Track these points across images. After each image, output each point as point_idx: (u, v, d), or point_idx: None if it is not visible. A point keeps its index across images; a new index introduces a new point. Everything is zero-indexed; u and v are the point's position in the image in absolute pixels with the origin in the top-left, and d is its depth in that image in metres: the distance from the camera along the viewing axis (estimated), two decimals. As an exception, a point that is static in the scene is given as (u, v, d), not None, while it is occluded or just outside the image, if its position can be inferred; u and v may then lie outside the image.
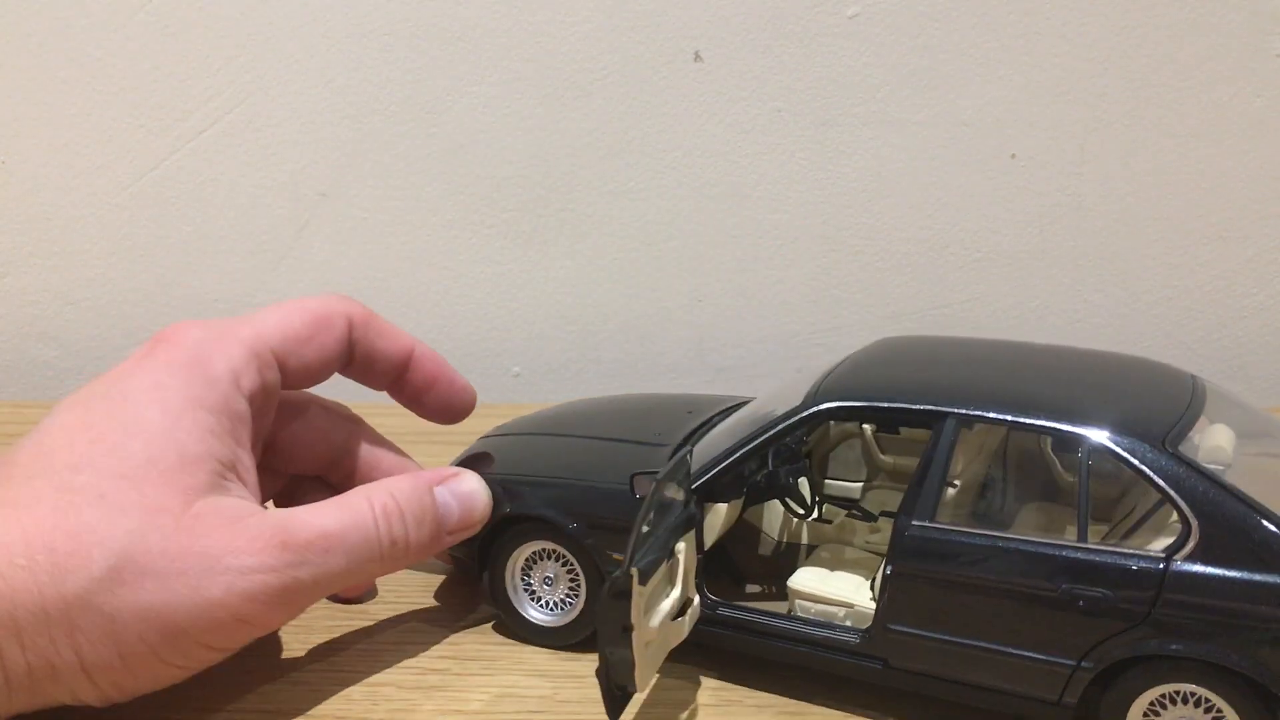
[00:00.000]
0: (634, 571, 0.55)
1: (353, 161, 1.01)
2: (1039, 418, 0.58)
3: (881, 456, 0.74)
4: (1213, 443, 0.57)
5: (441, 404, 0.71)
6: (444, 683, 0.65)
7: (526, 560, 0.67)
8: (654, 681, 0.63)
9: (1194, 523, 0.53)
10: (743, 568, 0.70)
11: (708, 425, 0.70)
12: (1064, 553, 0.55)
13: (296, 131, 1.00)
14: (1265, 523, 0.53)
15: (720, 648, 0.64)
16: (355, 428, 0.71)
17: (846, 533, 0.72)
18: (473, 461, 0.70)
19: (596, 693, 0.63)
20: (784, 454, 0.66)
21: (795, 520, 0.72)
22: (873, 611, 0.60)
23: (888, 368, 0.66)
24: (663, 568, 0.59)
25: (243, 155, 1.01)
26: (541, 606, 0.67)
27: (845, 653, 0.60)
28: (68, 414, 0.59)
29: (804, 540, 0.73)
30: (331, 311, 0.67)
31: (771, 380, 0.73)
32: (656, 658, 0.59)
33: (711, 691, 0.64)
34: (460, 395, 0.72)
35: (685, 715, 0.62)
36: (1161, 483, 0.55)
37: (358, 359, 0.68)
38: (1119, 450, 0.56)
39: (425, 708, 0.63)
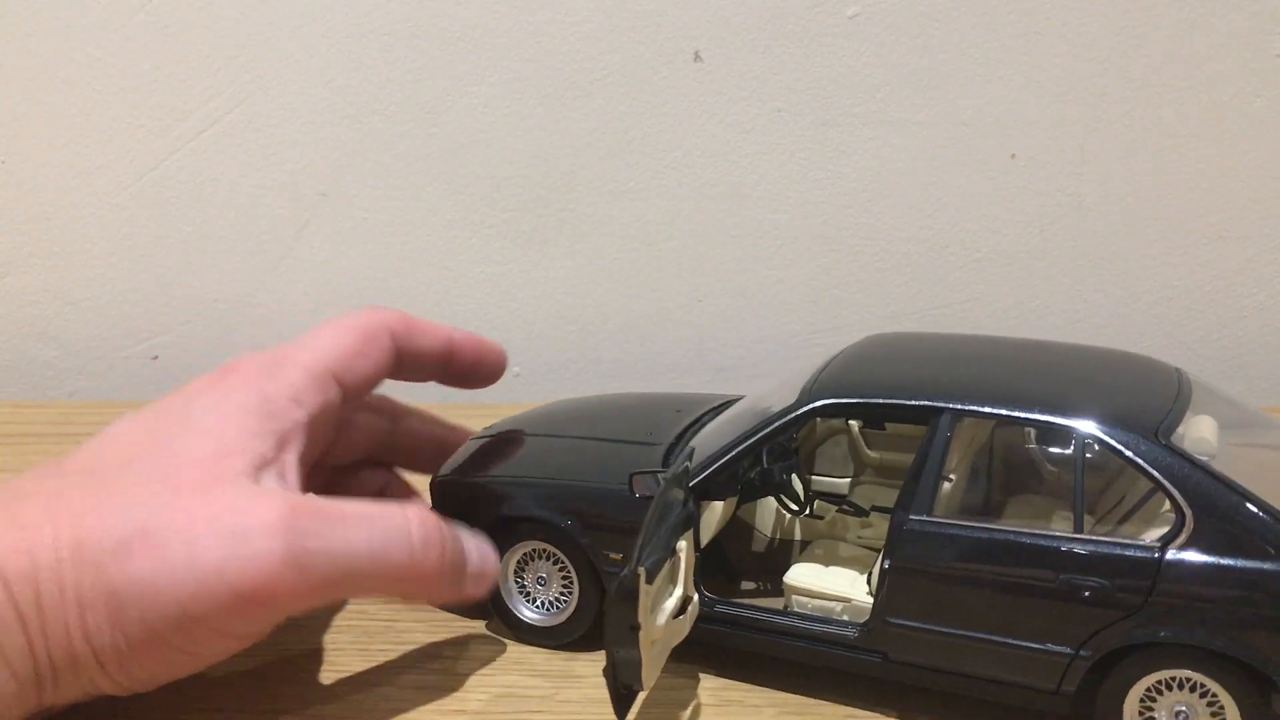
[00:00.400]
0: (641, 571, 0.55)
1: (353, 161, 1.01)
2: (1033, 411, 0.59)
3: (868, 452, 0.74)
4: (1198, 434, 0.58)
5: (485, 375, 0.73)
6: (444, 683, 0.65)
7: (520, 560, 0.67)
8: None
9: (1187, 512, 0.54)
10: (737, 565, 0.70)
11: (698, 424, 0.70)
12: (1062, 544, 0.56)
13: (296, 131, 1.00)
14: (1256, 511, 0.54)
15: (719, 645, 0.64)
16: (397, 415, 0.74)
17: (838, 528, 0.72)
18: (466, 464, 0.70)
19: (596, 692, 0.63)
20: (776, 451, 0.67)
21: (788, 517, 0.72)
22: (870, 605, 0.60)
23: (879, 364, 0.66)
24: (666, 567, 0.59)
25: (243, 155, 1.01)
26: (535, 606, 0.67)
27: (844, 647, 0.61)
28: (128, 424, 0.61)
29: (797, 536, 0.73)
30: (376, 325, 0.68)
31: (771, 380, 0.73)
32: (661, 656, 0.59)
33: (711, 691, 0.64)
34: (499, 361, 0.73)
35: (685, 714, 0.62)
36: (1155, 474, 0.56)
37: (405, 363, 0.69)
38: (1113, 442, 0.56)
39: (425, 708, 0.63)
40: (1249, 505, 0.54)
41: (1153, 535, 0.56)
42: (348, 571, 0.57)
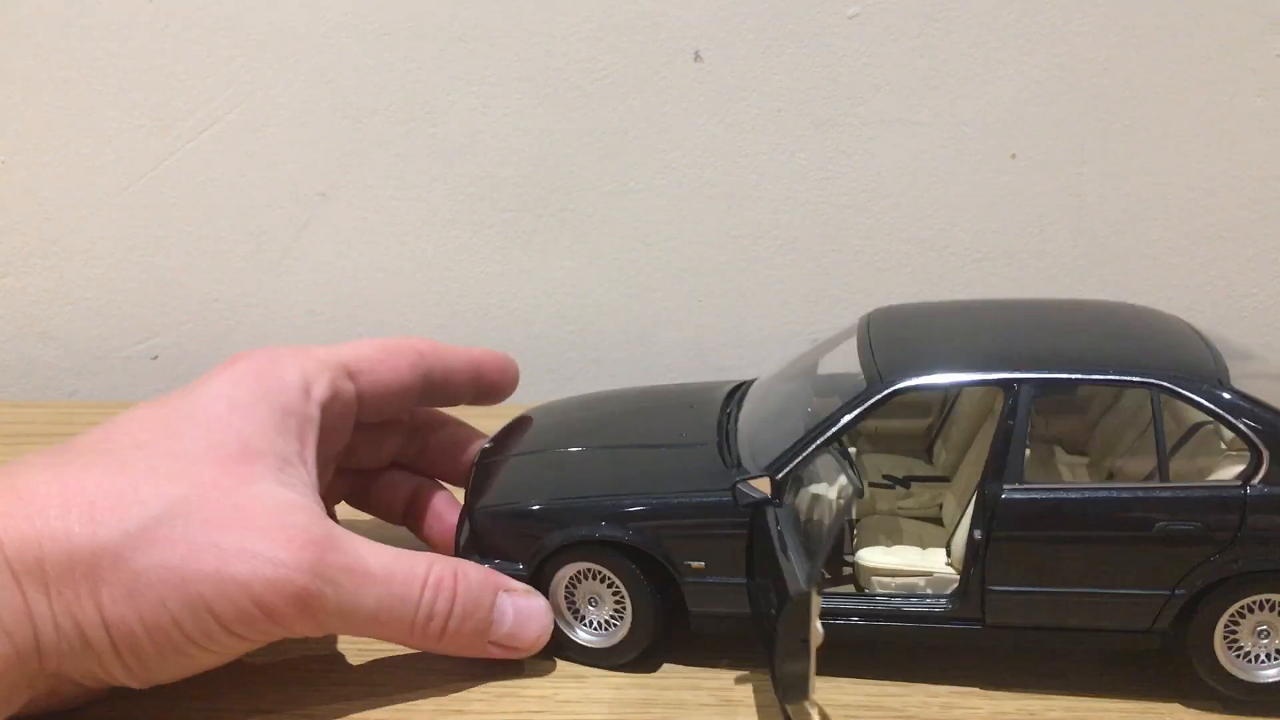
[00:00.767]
0: (813, 586, 0.55)
1: (353, 161, 1.01)
2: (1109, 373, 0.62)
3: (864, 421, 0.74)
4: (1241, 373, 0.62)
5: (506, 390, 0.74)
6: (444, 683, 0.65)
7: (570, 581, 0.66)
8: (649, 684, 0.63)
9: (1263, 449, 0.59)
10: None
11: (729, 418, 0.70)
12: (1154, 493, 0.60)
13: (296, 131, 1.00)
14: None
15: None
16: (431, 425, 0.75)
17: (878, 503, 0.72)
18: (500, 489, 0.68)
19: (597, 692, 0.63)
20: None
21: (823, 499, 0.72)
22: (952, 575, 0.63)
23: (928, 340, 0.67)
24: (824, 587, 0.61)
25: (243, 155, 1.01)
26: (588, 627, 0.66)
27: (939, 620, 0.62)
28: (141, 409, 0.61)
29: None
30: (400, 341, 0.69)
31: (773, 363, 0.74)
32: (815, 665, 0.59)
33: (711, 691, 0.64)
34: (516, 375, 0.75)
35: (685, 715, 0.62)
36: (1230, 417, 0.60)
37: (435, 381, 0.70)
38: (1189, 394, 0.60)
39: (425, 708, 0.63)
40: None
41: (1230, 475, 0.60)
42: (348, 623, 0.59)
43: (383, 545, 0.61)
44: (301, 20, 0.97)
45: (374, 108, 0.99)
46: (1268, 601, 0.60)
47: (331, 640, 0.68)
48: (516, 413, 0.77)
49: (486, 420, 0.77)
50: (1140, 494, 0.60)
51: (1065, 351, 0.64)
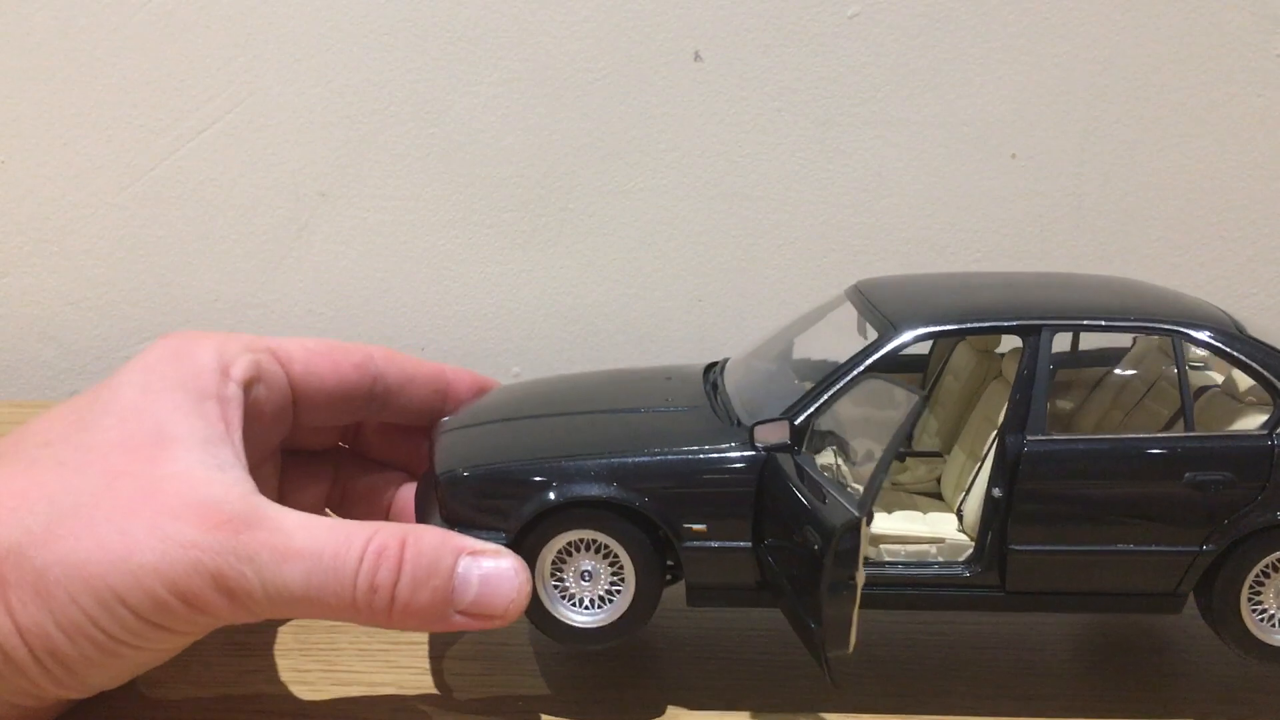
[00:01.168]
0: (863, 515, 0.52)
1: (353, 161, 1.01)
2: (1128, 319, 0.61)
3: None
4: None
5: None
6: (445, 682, 0.65)
7: (558, 554, 0.60)
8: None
9: None
10: None
11: (713, 388, 0.67)
12: (1181, 444, 0.58)
13: (296, 131, 1.00)
14: None
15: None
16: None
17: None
18: (474, 454, 0.63)
19: (599, 693, 0.63)
20: None
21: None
22: (967, 542, 0.61)
23: (932, 294, 0.65)
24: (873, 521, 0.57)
25: (243, 155, 1.01)
26: (580, 606, 0.61)
27: (957, 587, 0.60)
28: (57, 407, 0.59)
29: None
30: (350, 344, 0.66)
31: (749, 342, 0.73)
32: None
33: (711, 694, 0.64)
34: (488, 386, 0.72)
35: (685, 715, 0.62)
36: (1253, 364, 0.59)
37: (390, 388, 0.67)
38: (1210, 339, 0.59)
39: (424, 707, 0.63)
40: None
41: (1253, 425, 0.59)
42: (280, 604, 0.54)
43: (319, 518, 0.56)
44: (301, 20, 0.97)
45: (374, 108, 0.99)
46: None
47: (330, 639, 0.68)
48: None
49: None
50: (1168, 444, 0.58)
51: (1080, 302, 0.63)
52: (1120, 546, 0.58)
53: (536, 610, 0.60)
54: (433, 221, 1.02)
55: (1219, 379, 0.65)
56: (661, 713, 0.62)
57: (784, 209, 1.00)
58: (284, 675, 0.65)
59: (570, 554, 0.60)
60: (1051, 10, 0.94)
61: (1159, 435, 0.60)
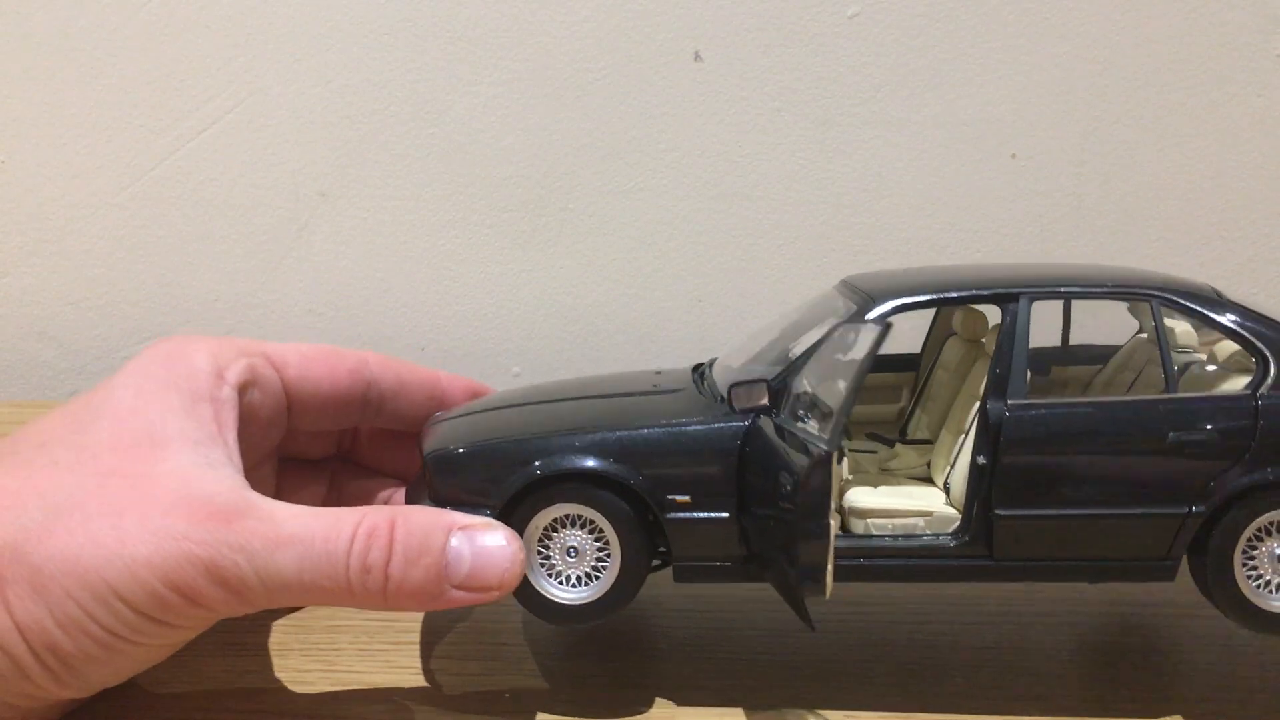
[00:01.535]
0: (834, 449, 0.52)
1: (353, 161, 1.01)
2: (1106, 287, 0.61)
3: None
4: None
5: None
6: (443, 683, 0.65)
7: (545, 531, 0.61)
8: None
9: (1269, 355, 0.58)
10: None
11: (700, 377, 0.68)
12: (1164, 404, 0.58)
13: (296, 131, 1.00)
14: None
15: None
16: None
17: (862, 466, 0.71)
18: (464, 434, 0.63)
19: (599, 694, 0.63)
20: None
21: None
22: (955, 515, 0.61)
23: (913, 275, 0.66)
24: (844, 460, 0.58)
25: (243, 155, 1.01)
26: (565, 583, 0.61)
27: (945, 557, 0.60)
28: (54, 410, 0.59)
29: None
30: (345, 349, 0.67)
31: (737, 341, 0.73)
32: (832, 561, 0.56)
33: (713, 696, 0.64)
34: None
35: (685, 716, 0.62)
36: (1233, 326, 0.59)
37: (385, 394, 0.68)
38: (1189, 304, 0.60)
39: (425, 708, 0.63)
40: None
41: (1236, 386, 0.59)
42: (276, 593, 0.55)
43: (308, 507, 0.56)
44: (301, 20, 0.97)
45: (374, 108, 0.99)
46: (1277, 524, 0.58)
47: (330, 639, 0.68)
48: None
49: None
50: (1150, 404, 0.59)
51: (1059, 274, 0.63)
52: (1106, 509, 0.58)
53: (522, 587, 0.60)
54: (433, 221, 1.02)
55: (1202, 357, 0.65)
56: (661, 713, 0.62)
57: (784, 209, 1.00)
58: (284, 675, 0.65)
59: (556, 530, 0.61)
60: (1051, 10, 0.94)
61: (1141, 397, 0.61)
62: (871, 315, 0.60)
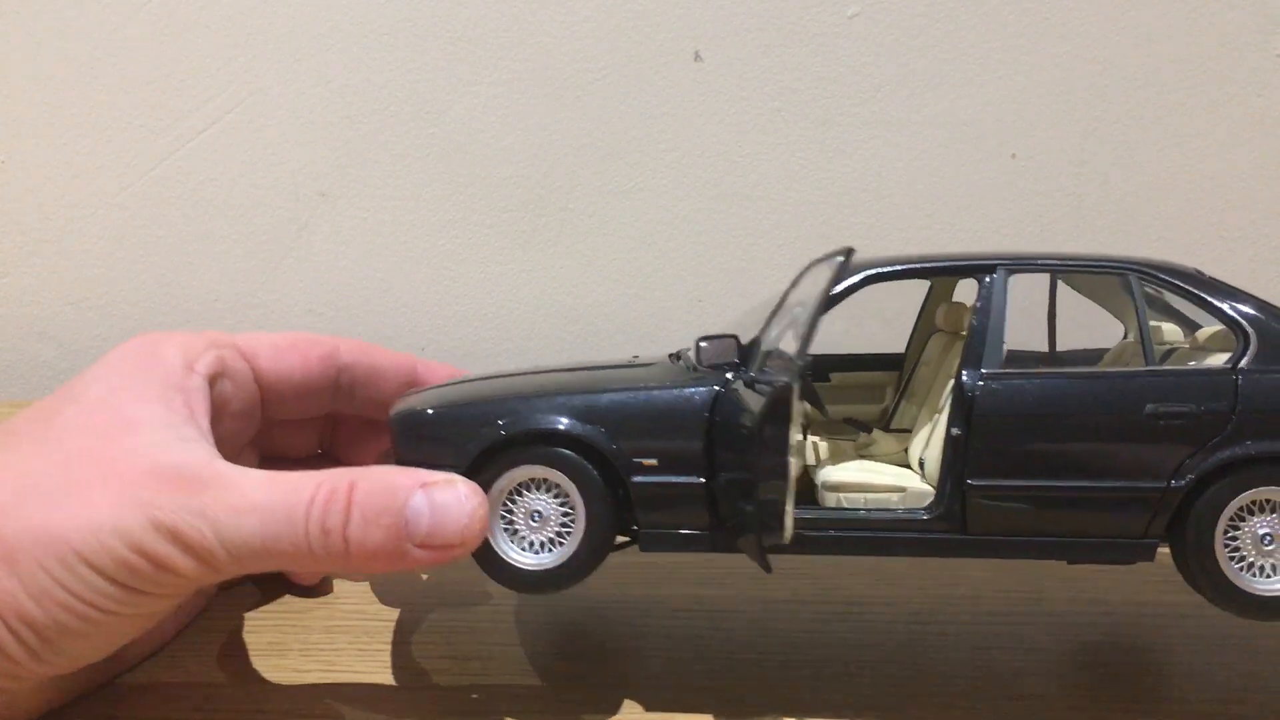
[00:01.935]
0: (795, 382, 0.52)
1: (353, 161, 1.01)
2: (1083, 260, 0.61)
3: (812, 410, 0.73)
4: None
5: None
6: (443, 683, 0.65)
7: (510, 496, 0.60)
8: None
9: (1249, 331, 0.58)
10: None
11: (677, 356, 0.68)
12: (1143, 377, 0.58)
13: (296, 131, 1.00)
14: None
15: (770, 552, 0.60)
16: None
17: (839, 453, 0.71)
18: (434, 396, 0.63)
19: (599, 694, 0.63)
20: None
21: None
22: (929, 491, 0.60)
23: (885, 255, 0.65)
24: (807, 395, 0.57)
25: (243, 155, 1.01)
26: (528, 548, 0.60)
27: (918, 529, 0.59)
28: (32, 405, 0.60)
29: (807, 460, 0.71)
30: (316, 336, 0.68)
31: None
32: (792, 502, 0.56)
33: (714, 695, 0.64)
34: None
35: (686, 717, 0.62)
36: (1213, 301, 0.59)
37: (357, 379, 0.69)
38: (1167, 278, 0.60)
39: (424, 708, 0.63)
40: None
41: (1217, 361, 0.59)
42: (242, 558, 0.55)
43: (273, 473, 0.56)
44: (301, 20, 0.97)
45: (374, 108, 0.99)
46: (1269, 503, 0.57)
47: (330, 639, 0.68)
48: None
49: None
50: (1128, 377, 0.58)
51: (1037, 251, 0.63)
52: (1081, 482, 0.57)
53: (484, 551, 0.60)
54: (433, 221, 1.02)
55: (1186, 346, 0.65)
56: (661, 713, 0.62)
57: (784, 209, 1.00)
58: (283, 675, 0.65)
59: (521, 494, 0.60)
60: (1052, 10, 0.94)
61: (1118, 369, 0.60)
62: (844, 284, 0.60)
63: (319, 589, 0.74)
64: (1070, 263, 0.61)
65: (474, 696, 0.63)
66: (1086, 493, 0.57)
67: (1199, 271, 0.60)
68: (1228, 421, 0.57)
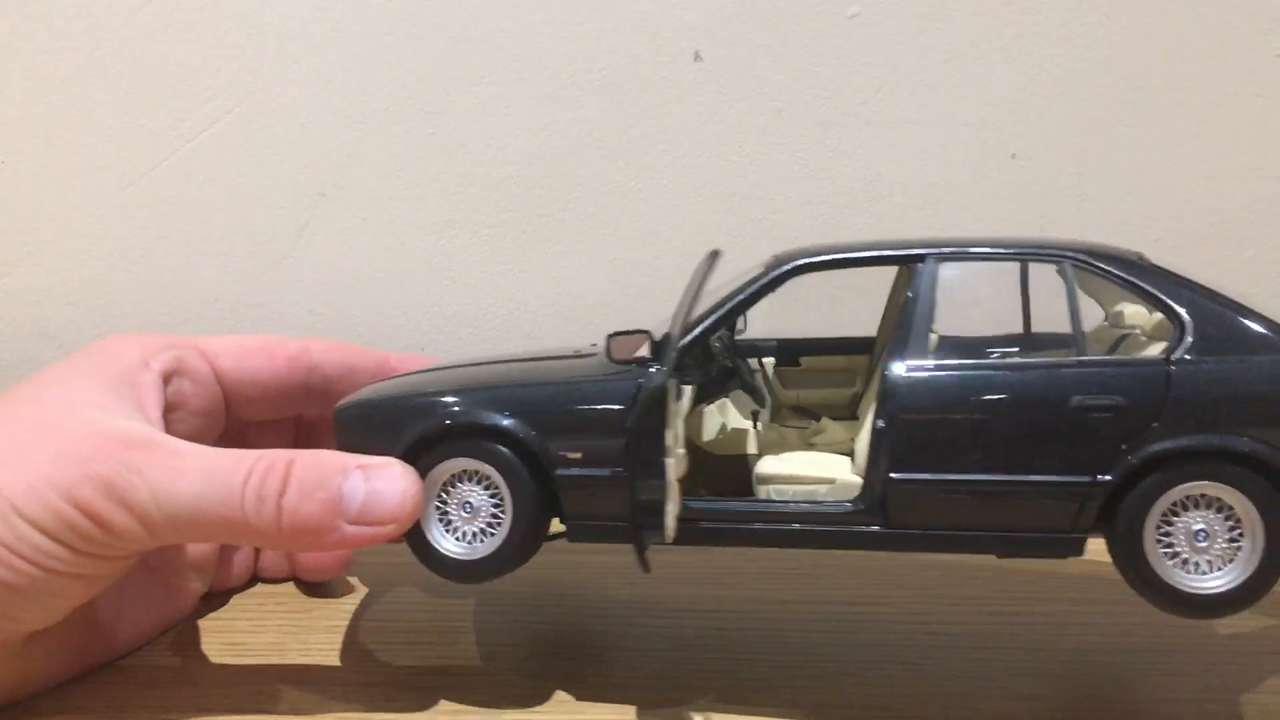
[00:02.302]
0: (673, 380, 0.52)
1: (353, 161, 1.01)
2: (1015, 248, 0.60)
3: (784, 391, 0.73)
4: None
5: None
6: (443, 683, 0.65)
7: (445, 486, 0.62)
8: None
9: (1186, 321, 0.56)
10: (689, 480, 0.69)
11: None
12: (1071, 368, 0.56)
13: (296, 131, 1.00)
14: (1247, 314, 0.56)
15: (698, 544, 0.61)
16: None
17: (789, 441, 0.71)
18: (374, 391, 0.65)
19: (595, 693, 0.63)
20: (730, 351, 0.67)
21: (732, 431, 0.71)
22: (858, 483, 0.59)
23: (830, 244, 0.64)
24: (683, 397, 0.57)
25: (243, 155, 1.01)
26: (457, 537, 0.62)
27: (840, 523, 0.59)
28: None
29: (750, 450, 0.71)
30: (286, 339, 0.69)
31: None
32: (675, 503, 0.56)
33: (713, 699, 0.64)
34: None
35: None
36: (1149, 288, 0.57)
37: (329, 377, 0.69)
38: (1102, 265, 0.58)
39: (424, 707, 0.63)
40: (1239, 309, 0.56)
41: (1151, 351, 0.57)
42: (175, 520, 0.56)
43: (214, 447, 0.58)
44: (301, 20, 0.97)
45: (374, 108, 0.99)
46: (1203, 498, 0.55)
47: (330, 640, 0.68)
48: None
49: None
50: (1053, 368, 0.56)
51: (971, 239, 0.61)
52: (1005, 476, 0.56)
53: (416, 539, 0.61)
54: (433, 221, 1.02)
55: (1138, 330, 0.63)
56: (660, 713, 0.62)
57: (784, 209, 1.00)
58: (283, 675, 0.65)
59: (456, 485, 0.61)
60: (1052, 10, 0.94)
61: (1043, 359, 0.58)
62: (772, 274, 0.60)
63: (327, 589, 0.74)
64: (1001, 251, 0.60)
65: (476, 696, 0.63)
66: (1010, 487, 0.56)
67: (1140, 257, 0.58)
68: (1157, 414, 0.54)
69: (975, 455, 0.56)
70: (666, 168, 1.00)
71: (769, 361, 0.73)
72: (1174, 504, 0.55)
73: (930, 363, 0.57)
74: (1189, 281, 0.58)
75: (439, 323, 1.05)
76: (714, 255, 0.63)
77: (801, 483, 0.61)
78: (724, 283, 0.67)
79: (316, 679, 0.65)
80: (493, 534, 0.61)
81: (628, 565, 0.59)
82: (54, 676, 0.62)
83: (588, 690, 0.64)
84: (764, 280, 0.60)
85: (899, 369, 0.57)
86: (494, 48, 0.97)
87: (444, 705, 0.63)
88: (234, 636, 0.69)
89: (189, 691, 0.63)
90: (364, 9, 0.97)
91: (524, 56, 0.97)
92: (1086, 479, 0.55)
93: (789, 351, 0.73)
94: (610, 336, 0.61)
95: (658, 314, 1.03)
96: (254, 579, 0.75)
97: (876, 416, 0.58)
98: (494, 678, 0.65)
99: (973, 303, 0.69)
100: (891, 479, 0.57)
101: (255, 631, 0.69)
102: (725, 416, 0.71)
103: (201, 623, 0.70)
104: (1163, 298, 0.57)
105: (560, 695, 0.63)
